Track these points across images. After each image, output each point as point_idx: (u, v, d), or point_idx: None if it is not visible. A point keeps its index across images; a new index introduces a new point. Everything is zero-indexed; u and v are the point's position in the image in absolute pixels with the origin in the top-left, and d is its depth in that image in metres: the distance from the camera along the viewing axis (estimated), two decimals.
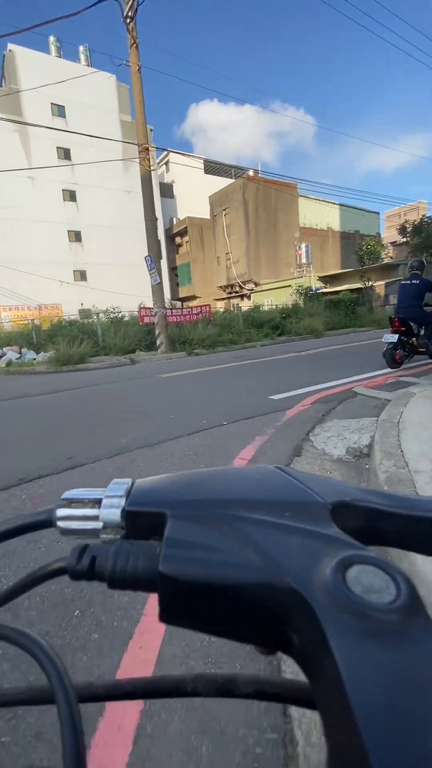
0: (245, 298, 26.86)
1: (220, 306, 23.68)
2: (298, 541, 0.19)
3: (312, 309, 16.03)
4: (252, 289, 26.70)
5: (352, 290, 18.64)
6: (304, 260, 24.50)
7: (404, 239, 20.10)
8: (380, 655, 0.13)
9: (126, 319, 13.31)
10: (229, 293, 29.12)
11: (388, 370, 5.43)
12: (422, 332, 5.35)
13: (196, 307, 13.58)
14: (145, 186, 10.47)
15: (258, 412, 3.77)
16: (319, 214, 29.75)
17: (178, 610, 0.18)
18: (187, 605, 0.18)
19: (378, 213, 33.77)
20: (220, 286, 30.01)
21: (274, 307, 17.67)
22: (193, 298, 30.90)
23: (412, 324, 5.25)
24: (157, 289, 10.96)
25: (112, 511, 0.22)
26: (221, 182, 32.31)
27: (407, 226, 19.25)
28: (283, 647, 0.18)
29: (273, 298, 22.60)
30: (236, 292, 28.33)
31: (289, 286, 21.56)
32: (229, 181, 30.77)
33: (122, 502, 0.22)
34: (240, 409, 3.96)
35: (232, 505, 0.21)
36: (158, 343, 11.17)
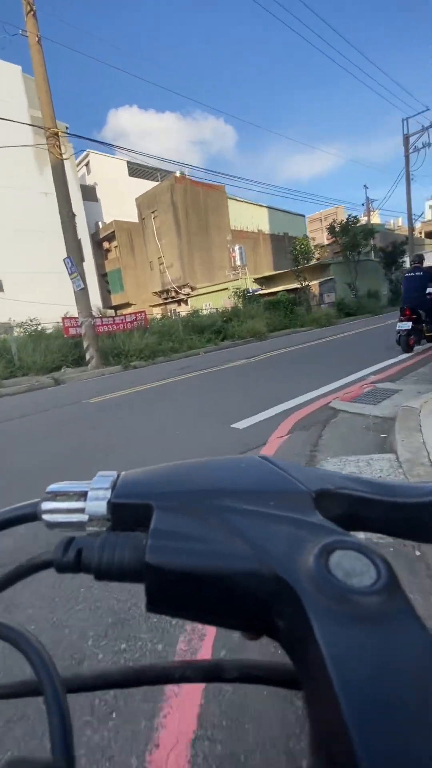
0: (182, 303, 25.88)
1: (156, 312, 22.43)
2: (282, 529, 0.19)
3: (252, 311, 15.47)
4: (188, 294, 25.81)
5: (288, 290, 18.54)
6: (238, 262, 24.16)
7: (332, 239, 20.59)
8: (361, 637, 0.14)
9: (49, 331, 11.54)
10: (165, 299, 27.93)
11: (359, 376, 4.78)
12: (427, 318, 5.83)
13: (131, 314, 12.24)
14: (57, 177, 8.99)
15: (220, 453, 2.72)
16: (249, 216, 29.82)
17: (165, 599, 0.19)
18: (174, 595, 0.18)
19: (304, 215, 34.86)
20: (155, 292, 28.70)
21: (213, 311, 16.88)
22: (127, 305, 29.18)
23: (420, 312, 5.72)
24: (82, 295, 9.49)
25: (97, 503, 0.22)
26: (147, 185, 31.09)
27: (335, 225, 19.68)
28: (269, 632, 0.18)
29: (211, 301, 21.92)
30: (172, 298, 27.24)
31: (226, 288, 21.03)
32: (156, 184, 29.69)
33: (108, 494, 0.22)
34: (194, 451, 2.90)
35: (218, 495, 0.22)
36: (88, 357, 9.69)
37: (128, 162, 34.44)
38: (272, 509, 0.20)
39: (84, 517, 0.22)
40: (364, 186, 27.41)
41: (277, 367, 6.46)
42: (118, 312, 20.39)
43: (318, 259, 19.35)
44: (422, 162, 28.04)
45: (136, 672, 0.24)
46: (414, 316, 5.70)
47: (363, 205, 26.42)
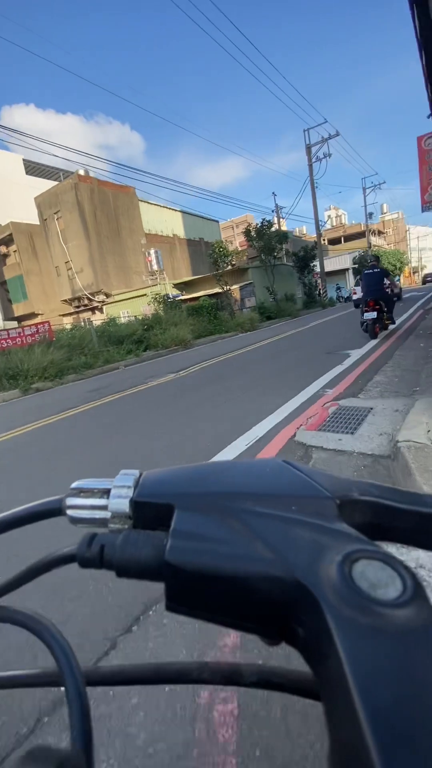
0: (96, 311, 23.77)
1: (67, 322, 20.13)
2: (304, 535, 0.19)
3: (175, 317, 14.43)
4: (103, 301, 23.81)
5: (210, 295, 17.92)
6: (155, 266, 22.95)
7: (248, 243, 20.57)
8: (385, 651, 0.13)
9: None
10: (77, 307, 25.46)
11: (313, 390, 4.00)
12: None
13: (31, 326, 10.31)
14: None
15: None
16: (163, 220, 28.83)
17: (184, 599, 0.19)
18: (193, 595, 0.18)
19: (217, 221, 34.97)
20: (65, 300, 26.04)
21: (132, 318, 15.44)
22: (33, 315, 26.01)
23: (381, 302, 6.67)
24: None
25: (120, 501, 0.22)
26: (49, 185, 28.28)
27: (251, 230, 19.64)
28: (288, 639, 0.18)
29: (129, 309, 20.35)
30: (85, 306, 24.91)
31: (145, 294, 19.70)
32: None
33: (130, 492, 0.22)
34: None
35: (239, 497, 0.21)
36: None
37: (25, 159, 31.15)
38: (295, 514, 0.20)
39: (107, 514, 0.22)
40: (273, 194, 28.26)
41: (212, 383, 5.46)
42: (22, 323, 17.75)
43: (234, 264, 19.03)
44: (324, 171, 29.72)
45: (154, 670, 0.24)
46: (377, 307, 6.62)
47: (273, 211, 27.15)
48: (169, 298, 17.78)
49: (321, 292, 26.51)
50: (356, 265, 39.87)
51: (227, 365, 6.94)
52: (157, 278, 22.41)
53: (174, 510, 0.21)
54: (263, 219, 19.72)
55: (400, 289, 18.49)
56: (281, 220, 26.62)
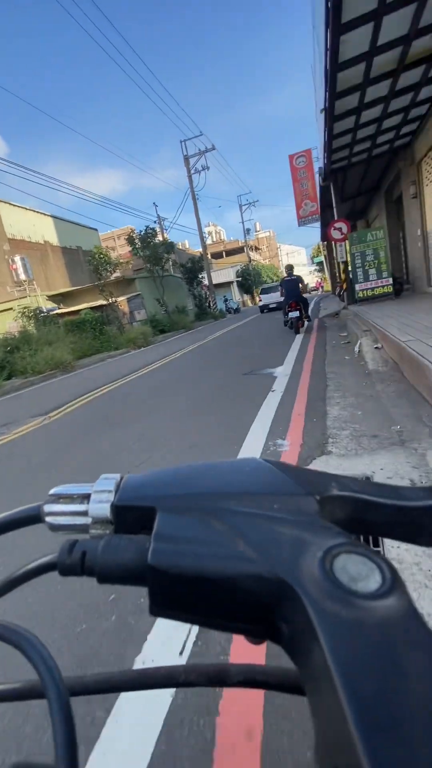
0: None
1: None
2: (286, 532, 0.19)
3: (50, 335, 11.95)
4: None
5: (93, 308, 15.72)
6: (22, 276, 19.48)
7: (132, 252, 19.02)
8: (367, 643, 0.14)
9: None
10: None
11: (259, 440, 2.68)
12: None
13: None
14: None
15: None
16: (30, 225, 25.11)
17: (168, 602, 0.19)
18: (177, 598, 0.18)
19: (96, 229, 32.38)
20: None
21: None
22: None
23: (300, 303, 8.34)
24: None
25: (100, 506, 0.22)
26: None
27: (134, 237, 18.13)
28: (273, 636, 0.18)
29: None
30: None
31: (11, 309, 16.36)
32: None
33: (111, 497, 0.22)
34: None
35: (221, 498, 0.21)
36: None
37: None
38: (276, 512, 0.20)
39: (87, 520, 0.22)
40: (154, 204, 27.27)
41: (95, 436, 3.62)
42: None
43: (118, 273, 17.25)
44: (204, 184, 30.06)
45: (139, 675, 0.24)
46: (298, 307, 8.24)
47: (156, 222, 26.12)
48: (43, 312, 14.98)
49: (211, 303, 26.34)
50: (240, 278, 42.15)
51: (120, 398, 5.24)
52: (25, 289, 19.03)
53: (156, 513, 0.21)
54: (147, 227, 18.43)
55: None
56: (164, 231, 25.72)
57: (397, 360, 4.00)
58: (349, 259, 9.88)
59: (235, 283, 42.40)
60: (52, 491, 0.24)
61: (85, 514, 0.22)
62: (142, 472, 0.24)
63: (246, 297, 45.59)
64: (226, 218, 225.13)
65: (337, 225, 9.88)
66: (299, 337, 7.75)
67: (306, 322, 8.61)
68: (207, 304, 26.10)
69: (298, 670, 0.16)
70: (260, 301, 19.38)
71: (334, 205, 10.03)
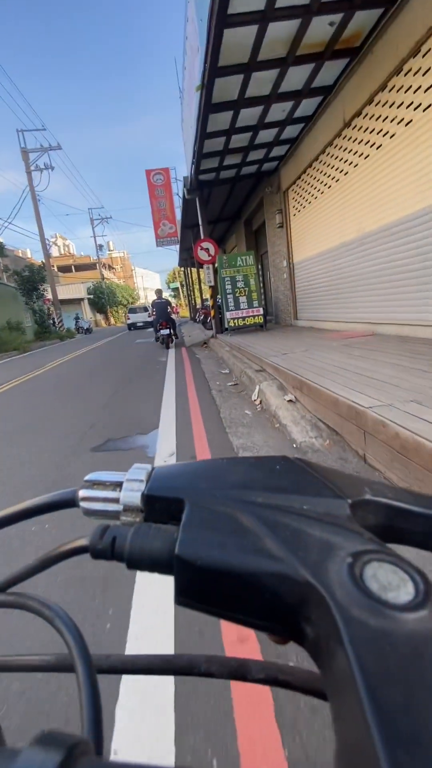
0: None
1: None
2: (315, 534, 0.18)
3: None
4: None
5: None
6: None
7: None
8: (394, 654, 0.13)
9: None
10: None
11: None
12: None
13: None
14: None
15: None
16: None
17: (193, 593, 0.19)
18: (202, 589, 0.18)
19: None
20: None
21: None
22: None
23: (169, 323, 9.81)
24: None
25: (132, 494, 0.22)
26: None
27: None
28: (297, 638, 0.17)
29: None
30: None
31: None
32: None
33: (142, 486, 0.23)
34: None
35: (250, 494, 0.21)
36: None
37: None
38: (306, 513, 0.20)
39: (119, 507, 0.23)
40: None
41: None
42: None
43: None
44: (47, 183, 26.07)
45: (163, 661, 0.25)
46: (168, 326, 9.68)
47: None
48: None
49: (56, 321, 22.57)
50: (92, 296, 38.86)
51: None
52: None
53: (185, 504, 0.21)
54: None
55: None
56: None
57: (337, 427, 2.66)
58: (218, 284, 8.93)
59: (86, 301, 38.78)
60: (87, 477, 0.24)
61: (116, 501, 0.23)
62: (174, 463, 0.25)
63: (99, 316, 42.09)
64: (77, 233, 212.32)
65: (204, 245, 8.81)
66: (170, 371, 6.11)
67: (174, 339, 9.99)
68: (51, 321, 22.25)
69: (320, 674, 0.16)
70: (128, 319, 21.24)
71: (200, 223, 8.97)
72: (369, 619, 0.14)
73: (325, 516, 0.19)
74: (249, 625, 0.18)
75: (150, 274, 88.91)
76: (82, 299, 37.73)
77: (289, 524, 0.19)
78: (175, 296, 33.51)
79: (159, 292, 10.35)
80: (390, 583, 0.15)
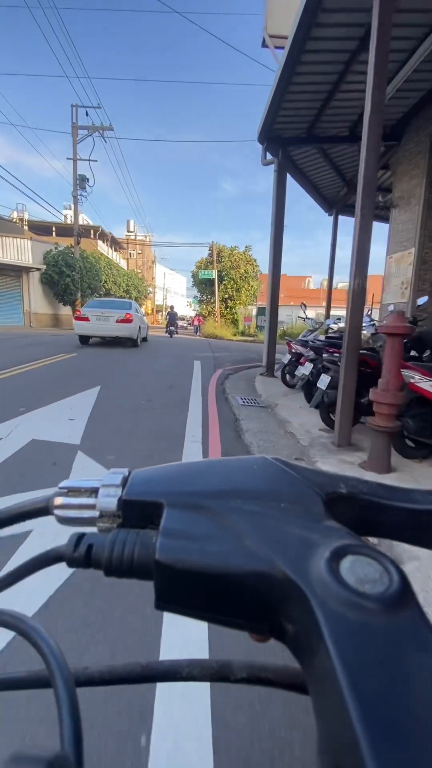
0: None
1: None
2: (293, 531, 0.19)
3: None
4: None
5: None
6: None
7: None
8: (373, 645, 0.13)
9: None
10: None
11: None
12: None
13: None
14: None
15: None
16: None
17: (174, 597, 0.19)
18: (183, 593, 0.18)
19: None
20: None
21: None
22: None
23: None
24: None
25: (108, 500, 0.22)
26: None
27: None
28: (277, 635, 0.18)
29: None
30: None
31: None
32: None
33: (119, 491, 0.22)
34: None
35: (228, 495, 0.22)
36: None
37: None
38: (283, 511, 0.20)
39: (95, 513, 0.22)
40: None
41: None
42: None
43: None
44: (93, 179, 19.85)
45: (143, 668, 0.25)
46: (174, 328, 14.08)
47: None
48: None
49: None
50: (48, 269, 18.61)
51: None
52: None
53: (163, 508, 0.21)
54: None
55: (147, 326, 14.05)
56: None
57: None
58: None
59: (34, 275, 18.79)
60: (61, 484, 0.24)
61: (92, 507, 0.22)
62: (150, 467, 0.25)
63: (62, 309, 20.90)
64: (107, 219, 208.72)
65: None
66: None
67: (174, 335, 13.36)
68: None
69: (302, 669, 0.16)
70: (82, 319, 9.71)
71: None
72: (347, 611, 0.14)
73: (303, 513, 0.20)
74: (230, 625, 0.18)
75: (176, 277, 77.72)
76: (28, 270, 18.36)
77: (267, 523, 0.19)
78: (202, 300, 26.70)
79: (172, 307, 17.30)
80: (366, 575, 0.16)
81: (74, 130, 21.26)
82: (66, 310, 21.08)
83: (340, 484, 0.22)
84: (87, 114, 20.66)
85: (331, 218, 9.23)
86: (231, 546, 0.18)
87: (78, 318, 10.13)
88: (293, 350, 5.31)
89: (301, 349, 5.00)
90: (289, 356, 5.46)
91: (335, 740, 0.12)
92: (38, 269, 19.12)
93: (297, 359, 5.20)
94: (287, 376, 5.65)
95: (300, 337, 5.68)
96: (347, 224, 11.65)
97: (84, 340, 10.44)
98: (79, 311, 10.34)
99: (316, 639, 0.14)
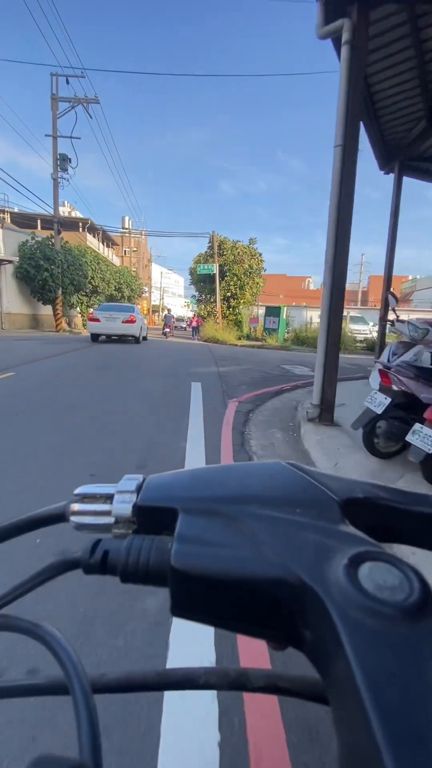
0: None
1: None
2: (310, 537, 0.19)
3: None
4: None
5: None
6: None
7: None
8: (393, 653, 0.13)
9: None
10: None
11: None
12: None
13: None
14: None
15: None
16: None
17: (189, 604, 0.18)
18: (198, 600, 0.18)
19: None
20: None
21: None
22: None
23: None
24: None
25: (123, 506, 0.22)
26: None
27: None
28: (295, 643, 0.17)
29: None
30: None
31: None
32: None
33: (134, 497, 0.22)
34: None
35: (244, 501, 0.21)
36: None
37: None
38: (299, 517, 0.20)
39: (110, 520, 0.22)
40: None
41: None
42: None
43: None
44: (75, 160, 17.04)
45: (159, 676, 0.25)
46: (169, 328, 15.69)
47: None
48: None
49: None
50: (22, 263, 16.69)
51: None
52: None
53: (178, 514, 0.21)
54: None
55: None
56: None
57: None
58: None
59: (6, 269, 16.10)
60: (76, 491, 0.24)
61: (108, 513, 0.22)
62: (165, 473, 0.25)
63: (41, 308, 18.84)
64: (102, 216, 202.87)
65: None
66: None
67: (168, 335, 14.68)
68: None
69: (320, 679, 0.16)
70: (94, 320, 12.81)
71: None
72: (367, 619, 0.14)
73: (320, 519, 0.20)
74: (247, 633, 0.18)
75: (172, 276, 75.58)
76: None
77: (283, 529, 0.19)
78: (200, 300, 23.38)
79: (169, 310, 16.95)
80: (386, 582, 0.15)
81: (54, 103, 18.41)
82: (46, 310, 18.81)
83: (357, 489, 0.22)
84: (68, 82, 17.69)
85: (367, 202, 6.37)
86: (247, 552, 0.18)
87: (91, 319, 12.75)
88: (395, 386, 2.60)
89: (415, 386, 2.45)
90: (383, 397, 2.65)
91: (356, 751, 0.12)
92: (10, 261, 16.54)
93: (405, 403, 2.59)
94: (377, 439, 2.87)
95: (400, 359, 2.74)
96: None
97: (95, 337, 12.88)
98: (91, 314, 13.10)
99: (334, 647, 0.14)
